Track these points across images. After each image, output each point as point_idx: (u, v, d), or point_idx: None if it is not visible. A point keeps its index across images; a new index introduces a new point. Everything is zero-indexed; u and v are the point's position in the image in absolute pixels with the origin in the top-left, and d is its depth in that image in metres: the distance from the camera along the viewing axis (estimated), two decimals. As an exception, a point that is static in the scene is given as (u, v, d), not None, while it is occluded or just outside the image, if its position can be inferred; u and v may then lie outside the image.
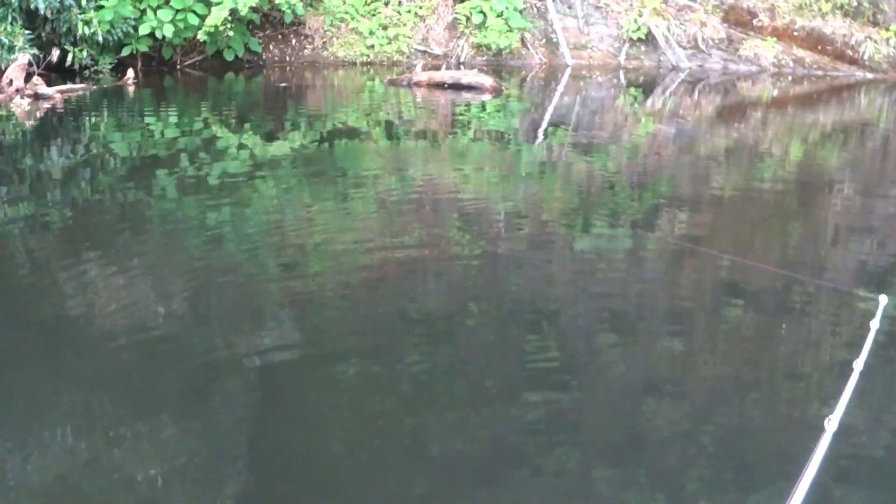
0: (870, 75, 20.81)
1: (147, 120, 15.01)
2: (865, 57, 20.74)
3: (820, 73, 20.92)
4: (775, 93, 19.85)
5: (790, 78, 20.76)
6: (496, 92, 17.81)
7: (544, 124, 15.95)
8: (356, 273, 8.06)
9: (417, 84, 18.29)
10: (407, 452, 5.18)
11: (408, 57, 20.72)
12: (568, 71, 20.56)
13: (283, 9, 18.97)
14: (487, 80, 18.08)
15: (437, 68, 19.68)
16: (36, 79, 15.99)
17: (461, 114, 16.60)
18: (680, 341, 6.87)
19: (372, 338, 6.66)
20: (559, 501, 4.73)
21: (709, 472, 5.01)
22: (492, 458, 5.10)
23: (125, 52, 18.44)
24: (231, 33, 18.50)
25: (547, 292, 7.79)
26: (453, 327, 6.99)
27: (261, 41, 20.46)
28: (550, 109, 17.35)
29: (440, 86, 18.20)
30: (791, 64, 21.13)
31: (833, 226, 10.23)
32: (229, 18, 18.05)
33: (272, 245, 8.69)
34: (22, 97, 15.36)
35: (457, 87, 18.09)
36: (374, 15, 20.94)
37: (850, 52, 20.90)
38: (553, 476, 4.92)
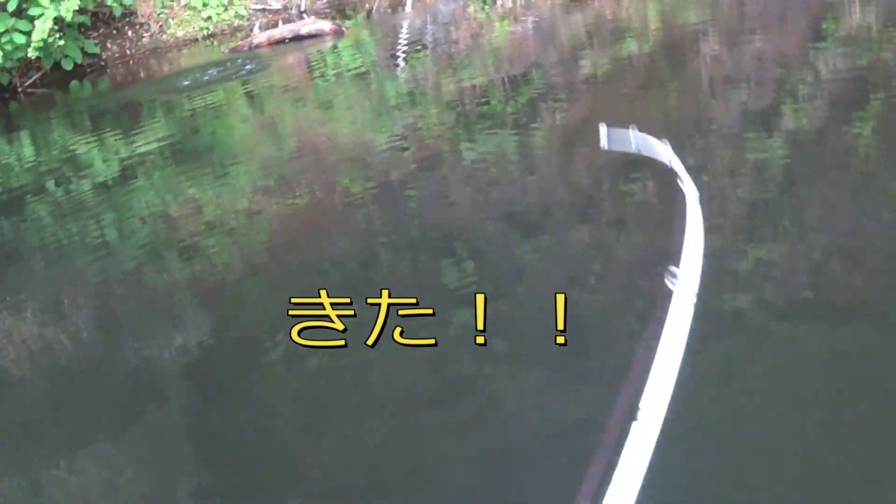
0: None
1: (0, 153, 14.33)
2: None
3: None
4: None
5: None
6: (337, 34, 17.42)
7: (401, 50, 15.65)
8: (260, 244, 7.86)
9: (259, 46, 17.80)
10: (361, 407, 5.04)
11: (248, 20, 20.13)
12: (411, -7, 20.21)
13: (109, 3, 18.24)
14: (326, 25, 17.70)
15: (278, 24, 19.15)
16: None
17: (314, 63, 16.18)
18: (587, 229, 6.83)
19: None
20: (511, 415, 4.63)
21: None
22: (444, 388, 4.99)
23: (-40, 90, 17.64)
24: (62, 42, 17.73)
25: (451, 212, 7.66)
26: (369, 271, 6.82)
27: (97, 41, 19.67)
28: (404, 34, 17.04)
29: (282, 42, 17.73)
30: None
31: (708, 80, 10.24)
32: (56, 28, 17.29)
33: (167, 240, 8.39)
34: None
35: (298, 39, 17.65)
36: (204, -14, 20.29)
37: None
38: (501, 392, 4.82)
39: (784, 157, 7.41)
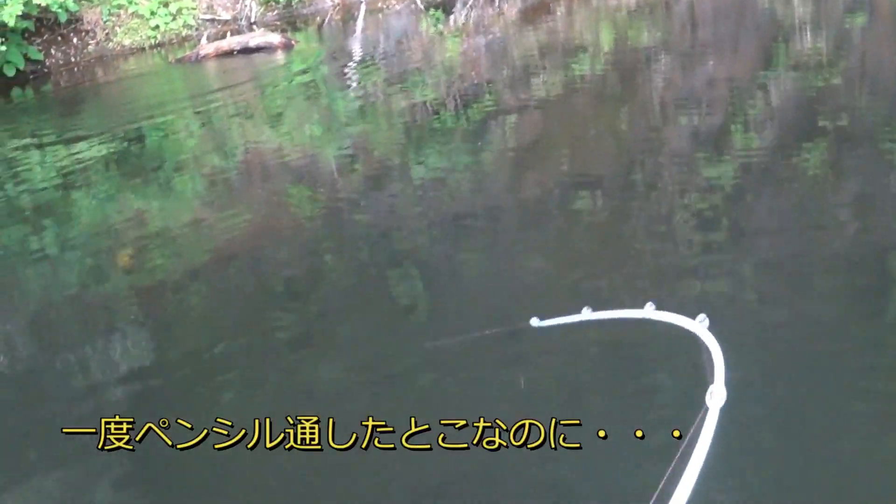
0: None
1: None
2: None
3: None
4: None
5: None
6: (287, 47, 17.18)
7: (353, 66, 15.47)
8: (205, 258, 7.63)
9: (206, 57, 17.47)
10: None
11: (196, 30, 19.84)
12: (363, 7, 20.04)
13: (54, 9, 17.84)
14: (276, 38, 17.44)
15: (226, 35, 18.87)
16: None
17: (262, 76, 15.92)
18: (537, 248, 6.74)
19: (243, 323, 6.27)
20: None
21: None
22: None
23: None
24: (4, 48, 17.32)
25: (399, 227, 7.53)
26: (319, 289, 6.68)
27: (40, 48, 19.27)
28: (356, 49, 16.87)
29: (229, 54, 17.43)
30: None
31: (658, 102, 10.20)
32: (-2, 33, 16.91)
33: (110, 252, 8.08)
34: None
35: (246, 51, 17.36)
36: (151, -6, 19.97)
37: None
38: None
39: (734, 177, 7.39)
